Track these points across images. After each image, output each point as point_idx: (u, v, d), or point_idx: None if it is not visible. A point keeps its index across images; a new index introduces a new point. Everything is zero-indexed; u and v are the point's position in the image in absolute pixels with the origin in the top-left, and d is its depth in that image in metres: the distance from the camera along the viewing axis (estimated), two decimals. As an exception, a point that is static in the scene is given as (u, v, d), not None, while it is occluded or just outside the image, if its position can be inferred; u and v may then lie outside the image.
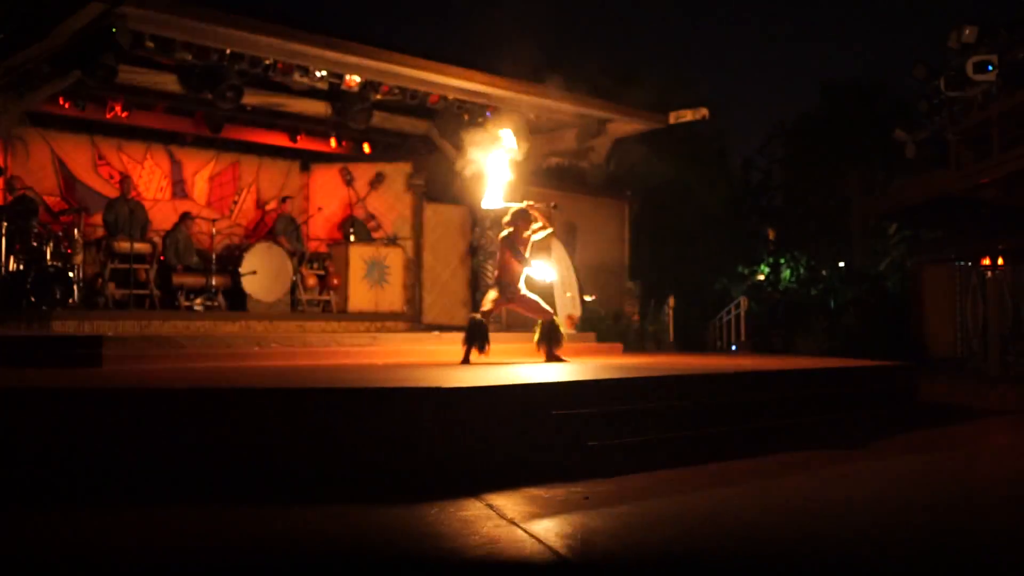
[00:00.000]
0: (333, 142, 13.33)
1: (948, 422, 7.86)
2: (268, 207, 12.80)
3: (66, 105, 10.93)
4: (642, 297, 15.42)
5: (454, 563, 3.57)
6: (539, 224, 8.16)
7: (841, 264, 20.84)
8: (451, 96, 11.18)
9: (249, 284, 10.75)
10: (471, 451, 5.15)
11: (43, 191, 10.93)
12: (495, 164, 8.40)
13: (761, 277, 21.54)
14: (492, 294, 8.16)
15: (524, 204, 8.30)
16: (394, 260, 12.22)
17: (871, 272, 20.74)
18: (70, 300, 9.45)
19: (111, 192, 11.31)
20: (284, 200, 12.40)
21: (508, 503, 4.39)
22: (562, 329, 8.56)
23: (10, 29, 8.63)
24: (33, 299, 9.18)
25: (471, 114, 11.69)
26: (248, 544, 3.82)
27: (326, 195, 13.02)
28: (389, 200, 13.02)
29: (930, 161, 16.11)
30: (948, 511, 4.55)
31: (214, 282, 10.77)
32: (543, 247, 8.86)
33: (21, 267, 9.41)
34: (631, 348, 12.35)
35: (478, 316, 8.08)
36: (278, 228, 11.97)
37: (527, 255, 8.20)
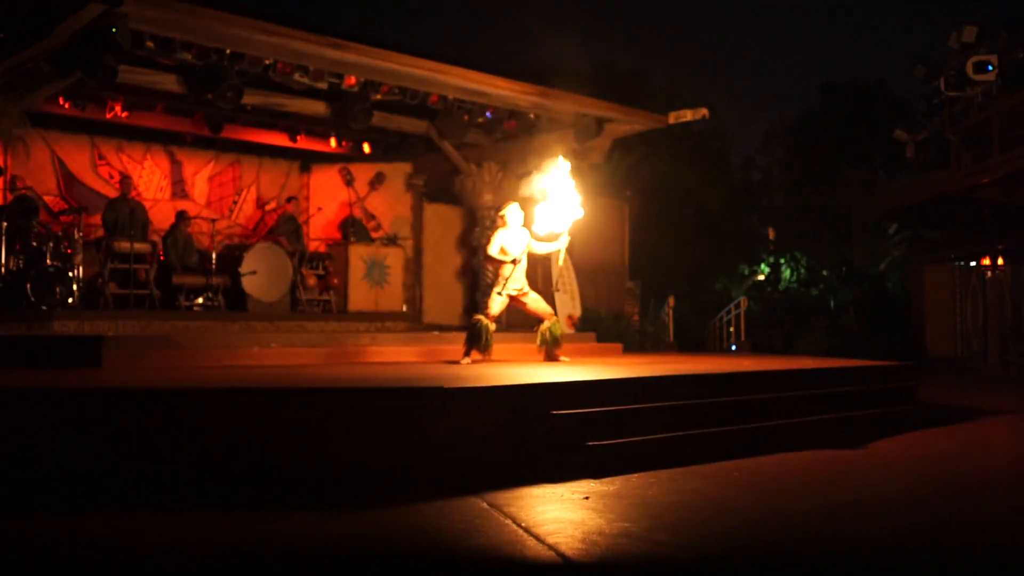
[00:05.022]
0: (333, 142, 13.34)
1: (948, 422, 7.85)
2: (268, 207, 12.79)
3: (66, 105, 10.94)
4: (642, 297, 15.44)
5: (455, 563, 3.58)
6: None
7: (844, 269, 20.86)
8: (451, 96, 11.18)
9: (249, 284, 10.75)
10: (471, 451, 5.16)
11: (43, 191, 10.93)
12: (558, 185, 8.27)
13: (761, 277, 21.54)
14: (497, 297, 8.11)
15: (514, 204, 8.29)
16: (394, 260, 12.22)
17: (871, 272, 20.74)
18: (70, 300, 9.45)
19: (111, 192, 11.30)
20: (288, 200, 12.40)
21: (508, 503, 4.39)
22: (562, 329, 8.55)
23: (10, 29, 8.62)
24: (33, 299, 9.18)
25: (471, 114, 11.69)
26: (246, 545, 3.82)
27: (326, 195, 13.02)
28: (389, 200, 13.02)
29: (930, 161, 16.13)
30: (949, 512, 4.55)
31: (214, 282, 10.77)
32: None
33: (21, 267, 9.41)
34: (631, 348, 12.35)
35: (480, 317, 8.06)
36: (278, 228, 11.97)
37: (523, 253, 8.16)
